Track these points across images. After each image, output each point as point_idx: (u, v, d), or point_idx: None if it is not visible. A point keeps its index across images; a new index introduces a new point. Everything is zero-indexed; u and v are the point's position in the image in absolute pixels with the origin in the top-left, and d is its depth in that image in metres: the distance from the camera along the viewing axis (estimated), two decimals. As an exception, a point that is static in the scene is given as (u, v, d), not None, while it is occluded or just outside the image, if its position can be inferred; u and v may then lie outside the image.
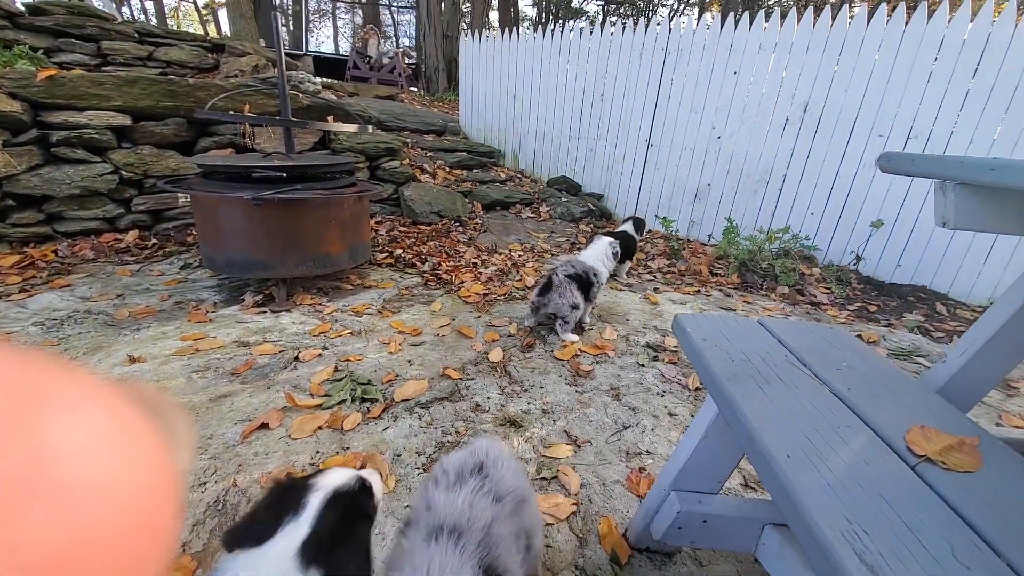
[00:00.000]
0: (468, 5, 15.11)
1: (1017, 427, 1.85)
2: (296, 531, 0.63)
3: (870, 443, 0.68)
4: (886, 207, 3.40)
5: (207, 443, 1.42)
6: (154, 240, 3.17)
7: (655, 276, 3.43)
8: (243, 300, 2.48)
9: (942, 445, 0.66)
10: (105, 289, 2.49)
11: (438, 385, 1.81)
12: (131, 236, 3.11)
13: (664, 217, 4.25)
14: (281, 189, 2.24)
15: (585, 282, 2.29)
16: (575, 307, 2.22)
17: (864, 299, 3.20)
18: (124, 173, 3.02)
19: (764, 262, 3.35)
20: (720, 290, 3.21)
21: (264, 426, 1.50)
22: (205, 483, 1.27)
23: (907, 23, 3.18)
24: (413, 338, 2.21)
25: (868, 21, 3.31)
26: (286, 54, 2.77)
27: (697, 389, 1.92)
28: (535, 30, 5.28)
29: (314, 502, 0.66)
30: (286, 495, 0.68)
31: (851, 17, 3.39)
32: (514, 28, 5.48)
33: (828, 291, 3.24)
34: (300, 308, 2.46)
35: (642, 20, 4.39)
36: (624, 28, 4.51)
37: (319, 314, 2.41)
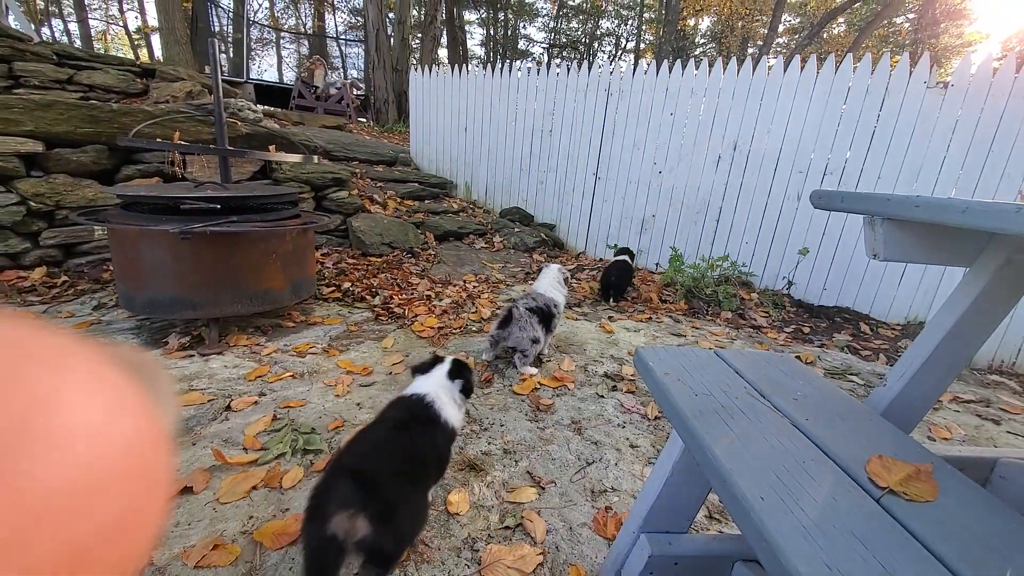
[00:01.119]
0: (417, 42, 15.46)
1: (945, 439, 2.00)
2: (444, 367, 1.30)
3: (836, 478, 0.68)
4: (810, 235, 3.70)
5: (114, 517, 1.21)
6: (64, 278, 2.82)
7: (608, 304, 3.49)
8: (167, 343, 2.24)
9: (901, 475, 0.67)
10: None
11: (391, 429, 1.69)
12: (37, 273, 2.76)
13: (615, 246, 4.38)
14: (214, 221, 2.08)
15: (546, 315, 2.29)
16: (535, 341, 2.20)
17: (798, 321, 3.42)
18: (32, 204, 2.70)
19: (708, 288, 3.52)
20: (670, 316, 3.32)
21: (187, 490, 1.31)
22: (109, 568, 1.07)
23: (818, 72, 3.57)
24: (363, 378, 2.07)
25: (784, 70, 3.69)
26: (225, 81, 2.64)
27: (656, 418, 1.92)
28: (484, 68, 5.44)
29: (448, 359, 1.33)
30: (435, 360, 1.33)
31: (769, 67, 3.76)
32: (463, 65, 5.62)
33: (767, 315, 3.44)
34: (234, 350, 2.25)
35: (585, 64, 4.65)
36: (569, 70, 4.75)
37: (256, 356, 2.21)
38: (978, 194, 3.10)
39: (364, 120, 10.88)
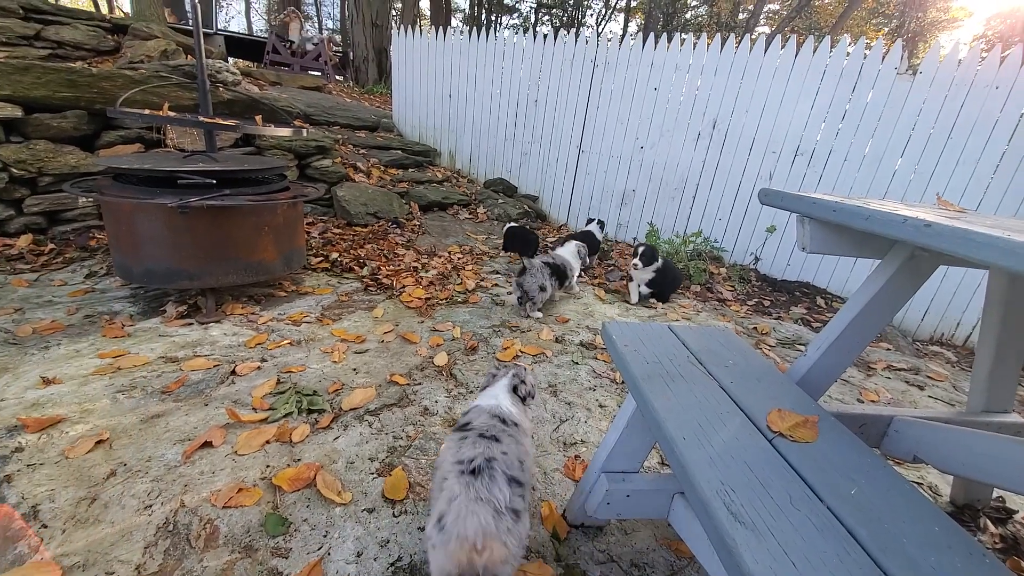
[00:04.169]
0: (399, -6, 14.69)
1: (873, 401, 2.30)
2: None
3: (742, 424, 0.89)
4: (778, 215, 3.92)
5: (146, 465, 1.38)
6: (52, 245, 2.85)
7: (585, 276, 3.68)
8: (164, 311, 2.35)
9: (791, 423, 0.89)
10: (-2, 303, 2.24)
11: (386, 392, 1.88)
12: (23, 241, 2.78)
13: (590, 218, 4.54)
14: (210, 195, 2.15)
15: (560, 272, 2.91)
16: (543, 288, 2.73)
17: (760, 295, 3.69)
18: (14, 171, 2.69)
19: (680, 263, 3.73)
20: (644, 289, 3.54)
21: (207, 444, 1.48)
22: (151, 506, 1.25)
23: (796, 54, 3.67)
24: (357, 346, 2.24)
25: (765, 50, 3.78)
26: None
27: (623, 382, 2.16)
28: (468, 28, 5.33)
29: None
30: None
31: (752, 43, 3.85)
32: (447, 24, 5.49)
33: (732, 288, 3.70)
34: (231, 319, 2.37)
35: (572, 33, 4.63)
36: (556, 37, 4.72)
37: (252, 324, 2.34)
38: (935, 180, 3.33)
39: (342, 79, 10.50)
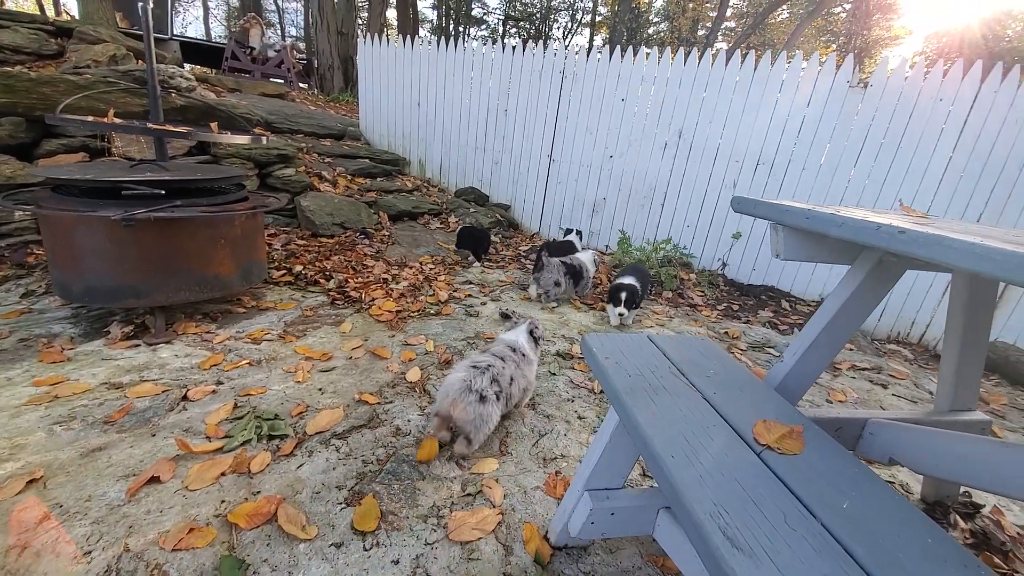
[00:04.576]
0: (364, 2, 14.56)
1: (841, 401, 2.35)
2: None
3: (729, 438, 0.86)
4: (743, 221, 4.04)
5: (85, 506, 1.23)
6: (-21, 263, 2.60)
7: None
8: (108, 333, 2.16)
9: (778, 434, 0.86)
10: (-91, 328, 2.00)
11: (355, 412, 1.77)
12: (-54, 258, 2.51)
13: (568, 229, 4.55)
14: (158, 206, 2.00)
15: (576, 272, 3.19)
16: (557, 284, 3.10)
17: (729, 299, 3.77)
18: (-64, 182, 2.44)
19: (652, 270, 3.77)
20: (617, 296, 3.55)
21: (155, 479, 1.34)
22: (90, 552, 1.11)
23: (755, 68, 3.81)
24: (323, 363, 2.12)
25: (726, 63, 3.91)
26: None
27: (601, 391, 2.13)
28: (437, 37, 5.30)
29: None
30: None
31: (713, 58, 3.97)
32: (415, 33, 5.44)
33: (702, 294, 3.76)
34: (183, 338, 2.21)
35: (540, 44, 4.66)
36: (525, 48, 4.74)
37: (208, 344, 2.19)
38: (887, 187, 3.50)
39: (307, 86, 10.26)
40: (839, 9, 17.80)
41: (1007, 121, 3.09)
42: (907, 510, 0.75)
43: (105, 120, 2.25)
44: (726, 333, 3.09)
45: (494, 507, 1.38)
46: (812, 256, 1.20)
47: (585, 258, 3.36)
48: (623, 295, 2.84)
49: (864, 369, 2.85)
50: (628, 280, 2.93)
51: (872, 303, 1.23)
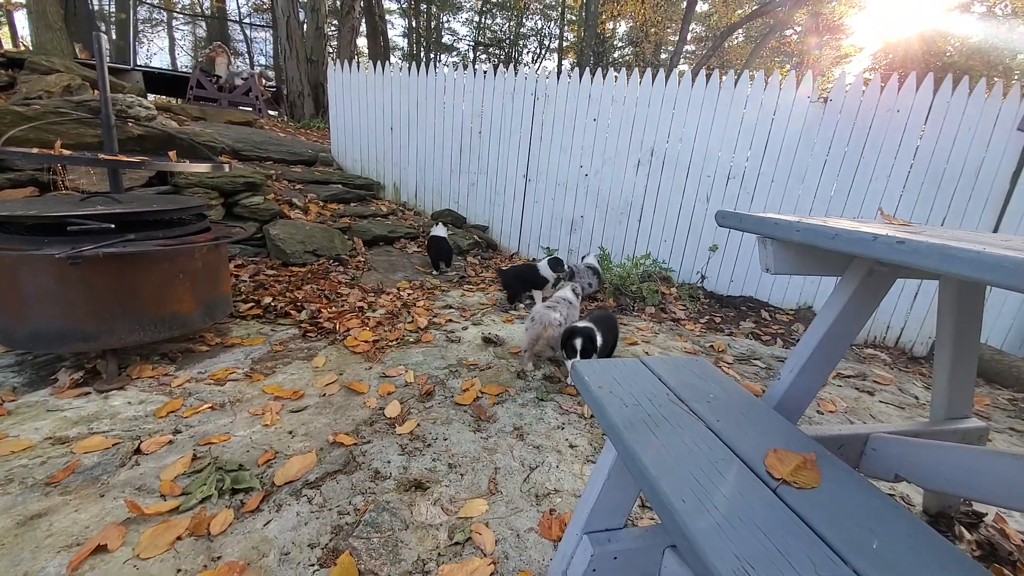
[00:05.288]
0: (334, 30, 14.64)
1: (831, 411, 2.33)
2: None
3: (741, 473, 0.79)
4: (719, 233, 4.08)
5: (8, 593, 1.06)
6: (-96, 310, 2.35)
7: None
8: (56, 380, 1.97)
9: (792, 466, 0.79)
10: None
11: (329, 456, 1.63)
12: None
13: (547, 247, 4.52)
14: (108, 241, 1.85)
15: (599, 275, 3.75)
16: (591, 284, 3.67)
17: (711, 312, 3.77)
18: None
19: (633, 286, 3.76)
20: (600, 314, 3.50)
21: (101, 548, 1.18)
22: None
23: (720, 87, 3.92)
24: (293, 403, 1.97)
25: (692, 83, 4.01)
26: (109, 68, 2.30)
27: (592, 416, 2.04)
28: (408, 63, 5.30)
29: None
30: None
31: (680, 78, 4.07)
32: (385, 60, 5.44)
33: (684, 307, 3.75)
34: (138, 383, 2.03)
35: (512, 66, 4.70)
36: (496, 72, 4.78)
37: (165, 388, 2.01)
38: (853, 195, 3.60)
39: (276, 114, 10.13)
40: (790, 31, 18.87)
41: (960, 128, 3.24)
42: (937, 546, 0.68)
43: (52, 152, 2.10)
44: (711, 347, 3.06)
45: (485, 555, 1.26)
46: (803, 269, 1.17)
47: (565, 296, 2.72)
48: (578, 343, 2.14)
49: (849, 376, 2.85)
50: (584, 324, 2.23)
51: (866, 314, 1.20)
